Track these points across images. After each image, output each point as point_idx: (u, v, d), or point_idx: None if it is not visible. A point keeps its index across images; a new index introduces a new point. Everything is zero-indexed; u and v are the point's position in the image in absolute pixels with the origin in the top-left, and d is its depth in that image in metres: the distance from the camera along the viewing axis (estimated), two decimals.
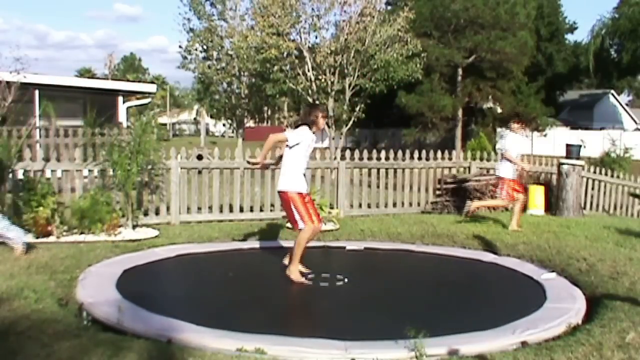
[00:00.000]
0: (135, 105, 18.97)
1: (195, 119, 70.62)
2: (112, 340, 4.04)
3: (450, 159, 11.55)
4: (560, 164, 10.79)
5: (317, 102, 20.58)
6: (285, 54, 20.45)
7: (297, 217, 5.91)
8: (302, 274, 6.00)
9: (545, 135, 31.82)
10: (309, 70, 20.18)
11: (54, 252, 6.56)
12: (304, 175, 6.12)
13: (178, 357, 3.87)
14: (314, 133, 6.10)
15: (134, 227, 8.14)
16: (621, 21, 34.24)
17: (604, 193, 12.88)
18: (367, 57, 19.76)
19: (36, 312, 4.56)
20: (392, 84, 20.82)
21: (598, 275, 6.13)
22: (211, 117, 38.73)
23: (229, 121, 30.83)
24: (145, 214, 8.85)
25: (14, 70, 12.24)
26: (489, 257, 7.41)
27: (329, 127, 20.85)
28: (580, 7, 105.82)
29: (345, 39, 19.37)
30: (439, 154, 11.36)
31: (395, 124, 34.68)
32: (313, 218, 5.93)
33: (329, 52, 19.51)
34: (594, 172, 12.81)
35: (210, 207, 9.42)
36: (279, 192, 6.06)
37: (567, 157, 10.85)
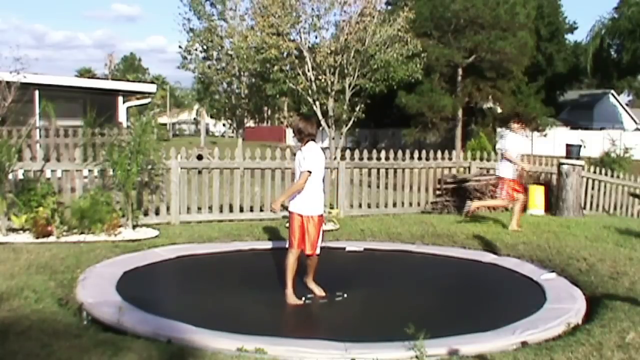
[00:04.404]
0: (135, 105, 18.98)
1: (195, 119, 70.62)
2: (112, 340, 4.04)
3: (450, 159, 11.55)
4: (560, 164, 10.78)
5: (317, 102, 20.59)
6: (285, 54, 20.44)
7: (289, 237, 5.70)
8: (304, 297, 5.67)
9: (545, 135, 31.84)
10: (309, 70, 20.18)
11: (54, 252, 6.56)
12: (315, 195, 5.64)
13: (178, 357, 3.87)
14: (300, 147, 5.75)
15: (134, 227, 8.13)
16: (621, 21, 34.26)
17: (604, 193, 12.88)
18: (367, 57, 19.75)
19: (36, 312, 4.56)
20: (392, 84, 20.81)
21: (598, 275, 6.13)
22: (211, 117, 38.72)
23: (229, 121, 30.83)
24: (145, 214, 8.85)
25: (14, 70, 12.25)
26: (489, 257, 7.41)
27: (329, 126, 20.86)
28: (580, 7, 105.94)
29: (345, 39, 19.37)
30: (439, 154, 11.35)
31: (395, 124, 34.70)
32: (292, 241, 5.61)
33: (329, 52, 19.50)
34: (594, 172, 12.80)
35: (210, 207, 9.42)
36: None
37: (567, 157, 10.84)
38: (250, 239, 8.26)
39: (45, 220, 7.41)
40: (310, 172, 5.52)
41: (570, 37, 43.09)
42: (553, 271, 6.51)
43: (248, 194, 9.65)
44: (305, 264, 5.79)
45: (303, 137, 5.65)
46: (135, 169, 8.04)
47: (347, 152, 10.79)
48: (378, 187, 10.82)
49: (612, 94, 46.52)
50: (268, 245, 7.84)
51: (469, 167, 11.58)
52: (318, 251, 5.72)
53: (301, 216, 5.58)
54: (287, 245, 5.77)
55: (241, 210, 9.69)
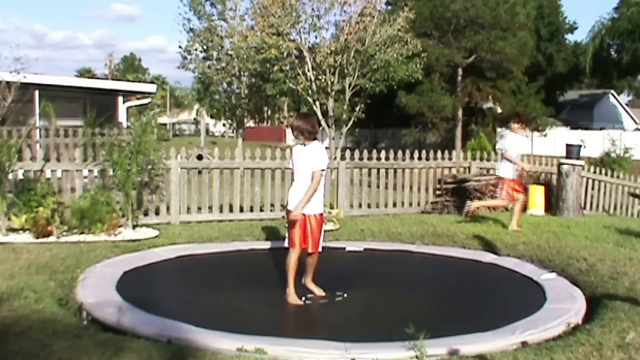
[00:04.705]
0: (135, 105, 18.99)
1: (195, 119, 70.63)
2: (112, 340, 4.04)
3: (450, 159, 11.55)
4: (560, 164, 10.79)
5: (317, 102, 20.59)
6: (285, 54, 20.45)
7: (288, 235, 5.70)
8: (304, 297, 5.65)
9: (545, 135, 31.84)
10: (309, 70, 20.18)
11: (54, 252, 6.56)
12: (318, 193, 5.59)
13: (178, 357, 3.87)
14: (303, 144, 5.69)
15: (134, 227, 8.13)
16: (621, 21, 34.27)
17: (604, 193, 12.88)
18: (367, 57, 19.76)
19: (36, 312, 4.55)
20: (392, 84, 20.82)
21: (598, 275, 6.13)
22: (211, 117, 38.76)
23: (229, 121, 30.87)
24: (145, 214, 8.85)
25: (14, 70, 12.26)
26: (489, 257, 7.41)
27: (329, 126, 20.86)
28: (580, 7, 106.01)
29: (345, 39, 19.37)
30: (439, 154, 11.36)
31: (395, 124, 34.71)
32: (291, 240, 5.61)
33: (329, 52, 19.51)
34: (594, 172, 12.80)
35: (210, 207, 9.42)
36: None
37: (567, 157, 10.84)
38: (250, 239, 8.26)
39: (45, 220, 7.41)
40: (323, 171, 5.53)
41: (570, 37, 43.19)
42: (553, 271, 6.51)
43: (248, 194, 9.65)
44: (305, 264, 5.78)
45: (310, 135, 5.60)
46: (135, 169, 8.04)
47: (347, 152, 10.79)
48: (378, 187, 10.82)
49: (612, 94, 46.54)
50: (268, 245, 7.83)
51: (469, 167, 11.58)
52: (320, 249, 5.73)
53: (303, 215, 5.57)
54: (286, 245, 5.73)
55: (241, 210, 9.69)
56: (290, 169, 5.89)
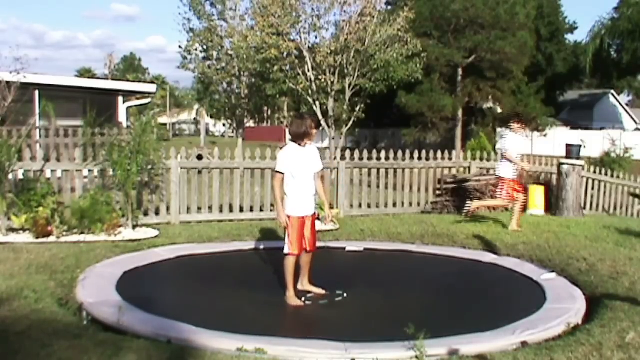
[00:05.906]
0: (135, 105, 18.99)
1: (195, 119, 70.65)
2: (112, 340, 4.04)
3: (450, 159, 11.55)
4: (560, 164, 10.79)
5: (317, 102, 20.58)
6: (285, 54, 20.44)
7: (285, 239, 5.61)
8: (304, 297, 5.64)
9: (545, 135, 31.85)
10: (309, 70, 20.18)
11: (54, 252, 6.56)
12: (307, 194, 5.61)
13: (178, 357, 3.87)
14: (302, 145, 5.59)
15: (134, 227, 8.13)
16: (621, 22, 34.29)
17: (604, 193, 12.87)
18: (367, 57, 19.75)
19: (36, 312, 4.56)
20: (392, 84, 20.82)
21: (598, 275, 6.13)
22: (211, 117, 38.78)
23: (229, 121, 30.87)
24: (145, 214, 8.85)
25: (14, 70, 12.25)
26: (489, 257, 7.41)
27: (329, 126, 20.85)
28: (580, 7, 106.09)
29: (345, 39, 19.36)
30: (439, 154, 11.35)
31: (395, 124, 34.71)
32: (296, 245, 5.55)
33: (329, 52, 19.50)
34: (594, 172, 12.80)
35: (210, 207, 9.42)
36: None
37: (567, 157, 10.84)
38: (250, 239, 8.25)
39: (45, 220, 7.41)
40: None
41: (570, 37, 43.19)
42: (553, 271, 6.51)
43: (248, 194, 9.65)
44: (301, 266, 5.79)
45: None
46: (135, 169, 8.05)
47: (347, 152, 10.79)
48: (378, 187, 10.82)
49: (612, 94, 46.55)
50: (268, 245, 7.82)
51: (469, 167, 11.58)
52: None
53: (304, 217, 5.60)
54: (287, 251, 5.60)
55: (241, 210, 9.69)
56: (279, 172, 5.59)
